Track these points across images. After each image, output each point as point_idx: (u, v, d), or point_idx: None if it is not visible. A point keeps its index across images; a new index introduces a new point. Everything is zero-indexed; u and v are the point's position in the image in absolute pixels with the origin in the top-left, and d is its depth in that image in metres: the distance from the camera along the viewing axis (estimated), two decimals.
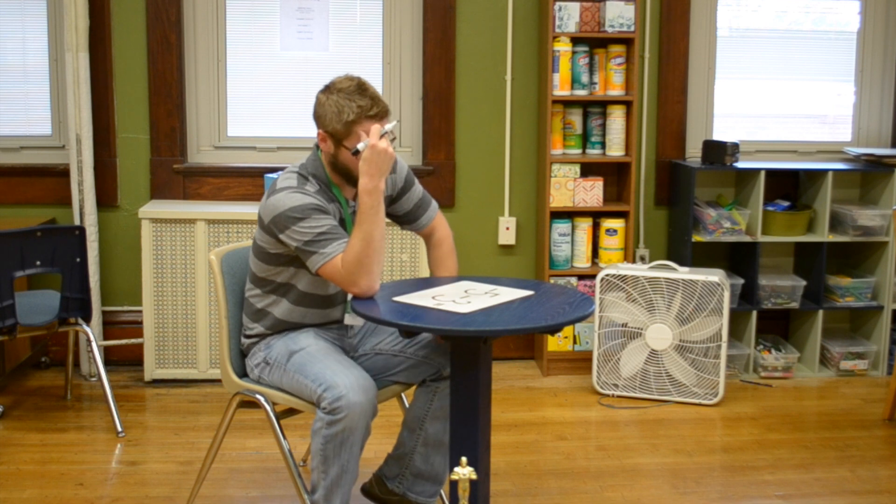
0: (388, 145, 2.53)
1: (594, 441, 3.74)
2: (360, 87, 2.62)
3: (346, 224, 2.73)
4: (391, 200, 2.86)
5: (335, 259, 2.54)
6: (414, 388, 2.85)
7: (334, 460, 2.51)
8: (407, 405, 3.00)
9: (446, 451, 2.81)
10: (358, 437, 2.51)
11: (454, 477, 2.06)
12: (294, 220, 2.56)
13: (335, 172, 2.70)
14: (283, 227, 2.58)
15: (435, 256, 2.92)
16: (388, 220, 2.88)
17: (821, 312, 4.47)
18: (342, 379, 2.50)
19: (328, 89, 2.64)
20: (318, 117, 2.65)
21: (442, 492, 2.98)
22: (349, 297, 2.72)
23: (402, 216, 2.90)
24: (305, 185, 2.65)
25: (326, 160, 2.70)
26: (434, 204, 2.93)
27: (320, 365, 2.59)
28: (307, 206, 2.58)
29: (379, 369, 2.78)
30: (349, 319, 2.77)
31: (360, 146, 2.55)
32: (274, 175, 4.19)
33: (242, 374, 2.86)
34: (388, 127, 2.56)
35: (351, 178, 2.67)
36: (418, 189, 2.91)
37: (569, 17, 4.30)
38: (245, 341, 2.85)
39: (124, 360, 4.43)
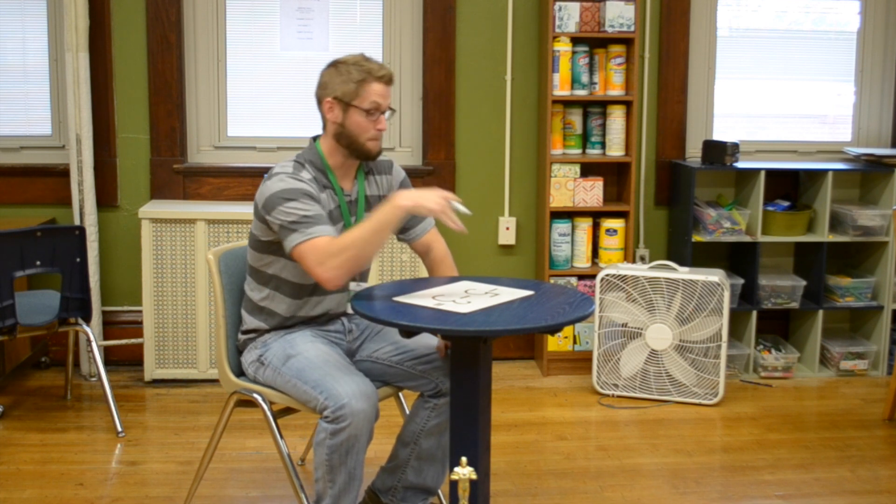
0: (442, 200, 2.52)
1: (594, 441, 3.74)
2: (366, 57, 2.71)
3: (342, 212, 2.73)
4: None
5: (316, 239, 2.52)
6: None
7: (341, 469, 2.51)
8: (405, 406, 3.01)
9: (439, 464, 2.83)
10: (363, 443, 2.52)
11: (454, 477, 2.06)
12: (283, 200, 2.58)
13: (339, 146, 2.71)
14: (271, 207, 2.60)
15: (434, 276, 2.90)
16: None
17: (821, 312, 4.47)
18: (343, 387, 2.50)
19: (334, 63, 2.72)
20: (325, 85, 2.71)
21: (441, 492, 2.99)
22: (351, 287, 2.76)
23: None
24: (300, 172, 2.67)
25: (331, 134, 2.71)
26: (430, 219, 2.92)
27: (319, 372, 2.58)
28: (298, 189, 2.60)
29: (375, 376, 2.78)
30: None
31: (459, 206, 2.57)
32: None
33: (240, 373, 2.86)
34: (461, 207, 2.57)
35: (355, 149, 2.70)
36: None
37: (569, 17, 4.30)
38: (241, 337, 2.85)
39: (124, 360, 4.43)
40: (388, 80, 2.69)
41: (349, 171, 2.78)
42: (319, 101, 2.73)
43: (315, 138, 2.79)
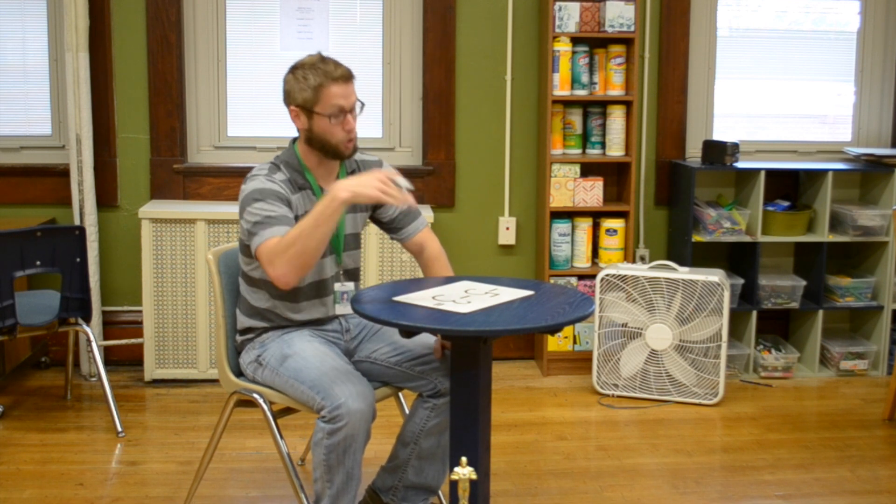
0: (380, 183, 2.45)
1: (594, 441, 3.74)
2: (322, 58, 2.68)
3: None
4: (376, 204, 2.87)
5: (270, 239, 2.53)
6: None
7: (339, 469, 2.51)
8: (405, 407, 3.01)
9: (439, 462, 2.83)
10: (360, 443, 2.51)
11: (454, 477, 2.06)
12: (252, 200, 2.60)
13: (313, 149, 2.71)
14: (242, 209, 2.63)
15: (430, 275, 2.90)
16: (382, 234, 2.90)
17: (821, 312, 4.47)
18: (340, 387, 2.50)
19: (293, 68, 2.70)
20: (288, 94, 2.70)
21: (441, 492, 2.99)
22: (336, 288, 2.78)
23: (388, 223, 2.90)
24: (275, 174, 2.68)
25: (303, 139, 2.72)
26: (422, 218, 2.93)
27: (316, 372, 2.59)
28: (268, 190, 2.61)
29: (373, 376, 2.78)
30: (340, 308, 2.79)
31: (402, 182, 2.49)
32: None
33: (240, 373, 2.86)
34: (402, 182, 2.51)
35: (328, 150, 2.70)
36: None
37: (569, 17, 4.30)
38: (239, 338, 2.85)
39: (124, 360, 4.43)
40: (346, 78, 2.66)
41: (330, 171, 2.78)
42: (287, 108, 2.73)
43: (294, 140, 2.79)
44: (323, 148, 2.70)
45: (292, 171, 2.71)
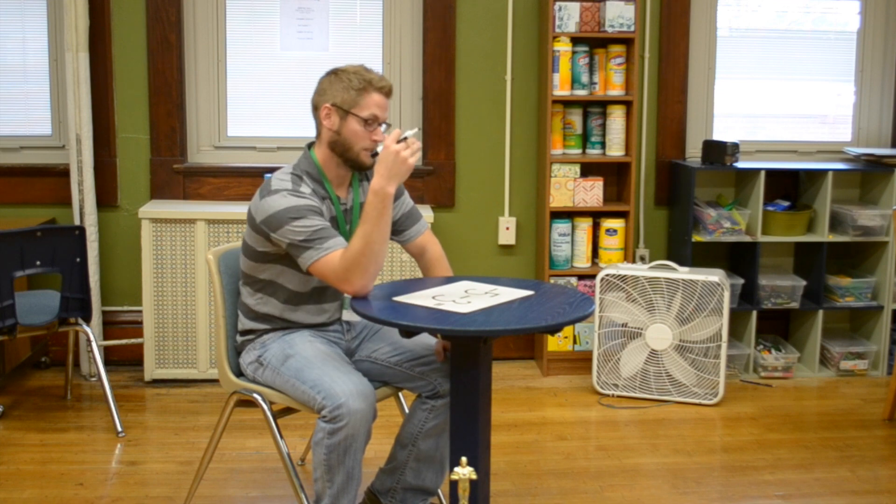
0: (404, 151, 2.50)
1: (594, 441, 3.74)
2: (366, 68, 2.72)
3: (338, 222, 2.73)
4: None
5: (332, 255, 2.53)
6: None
7: (339, 468, 2.51)
8: (405, 407, 3.01)
9: (437, 465, 2.83)
10: (360, 442, 2.52)
11: (454, 477, 2.06)
12: (289, 219, 2.57)
13: (334, 154, 2.71)
14: (277, 226, 2.60)
15: (431, 276, 2.91)
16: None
17: (821, 312, 4.47)
18: (341, 387, 2.50)
19: (334, 71, 2.72)
20: (324, 92, 2.70)
21: (441, 492, 2.99)
22: (346, 294, 2.75)
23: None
24: (300, 187, 2.66)
25: (325, 142, 2.71)
26: (423, 221, 2.93)
27: (317, 371, 2.58)
28: (303, 206, 2.59)
29: (373, 376, 2.78)
30: (347, 315, 2.78)
31: (408, 133, 2.53)
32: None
33: (240, 373, 2.86)
34: (408, 133, 2.54)
35: (348, 157, 2.70)
36: (408, 201, 2.92)
37: (569, 17, 4.30)
38: (239, 339, 2.85)
39: (124, 360, 4.43)
40: (387, 91, 2.69)
41: (344, 180, 2.78)
42: (316, 108, 2.72)
43: (310, 146, 2.78)
44: (344, 153, 2.69)
45: (313, 182, 2.71)
